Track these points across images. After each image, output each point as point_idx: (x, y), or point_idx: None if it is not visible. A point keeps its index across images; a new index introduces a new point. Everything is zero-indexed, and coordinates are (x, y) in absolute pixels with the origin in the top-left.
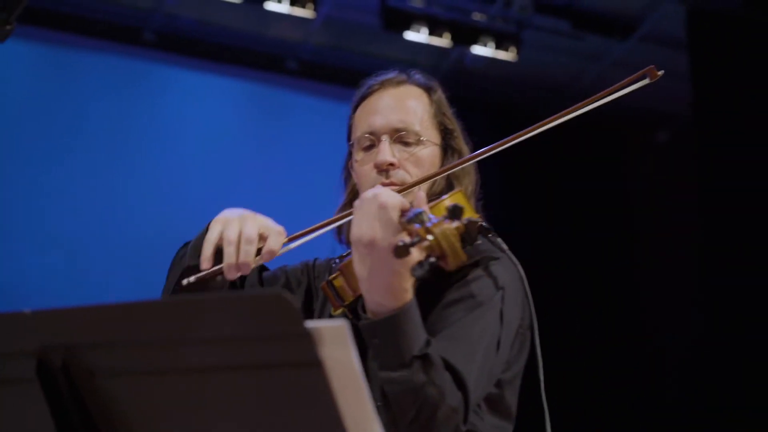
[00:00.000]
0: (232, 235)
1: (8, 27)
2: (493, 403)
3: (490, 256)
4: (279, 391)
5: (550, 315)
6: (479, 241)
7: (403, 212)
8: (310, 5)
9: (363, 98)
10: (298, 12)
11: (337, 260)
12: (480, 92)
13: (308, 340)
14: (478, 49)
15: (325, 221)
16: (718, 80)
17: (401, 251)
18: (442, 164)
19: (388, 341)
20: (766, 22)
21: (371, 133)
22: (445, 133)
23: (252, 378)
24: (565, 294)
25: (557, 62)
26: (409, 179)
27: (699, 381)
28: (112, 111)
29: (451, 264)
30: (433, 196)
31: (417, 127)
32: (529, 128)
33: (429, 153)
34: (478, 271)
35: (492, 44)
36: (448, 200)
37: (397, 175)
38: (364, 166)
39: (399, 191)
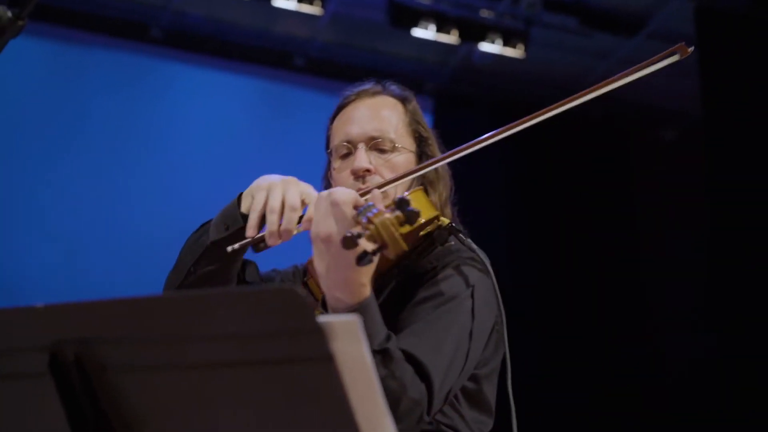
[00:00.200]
0: (275, 202)
1: (20, 23)
2: (473, 398)
3: (460, 255)
4: (290, 385)
5: (554, 314)
6: (451, 242)
7: (356, 207)
8: (318, 2)
9: (340, 109)
10: (306, 9)
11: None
12: (487, 89)
13: (320, 335)
14: (485, 46)
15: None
16: (725, 78)
17: (348, 242)
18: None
19: None
20: None
21: (348, 142)
22: (420, 141)
23: (264, 373)
24: (571, 293)
25: (565, 59)
26: None
27: (704, 381)
28: (119, 107)
29: (391, 252)
30: None
31: (392, 135)
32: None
33: (404, 159)
34: (449, 271)
35: (500, 41)
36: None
37: (373, 180)
38: (341, 174)
39: (365, 192)
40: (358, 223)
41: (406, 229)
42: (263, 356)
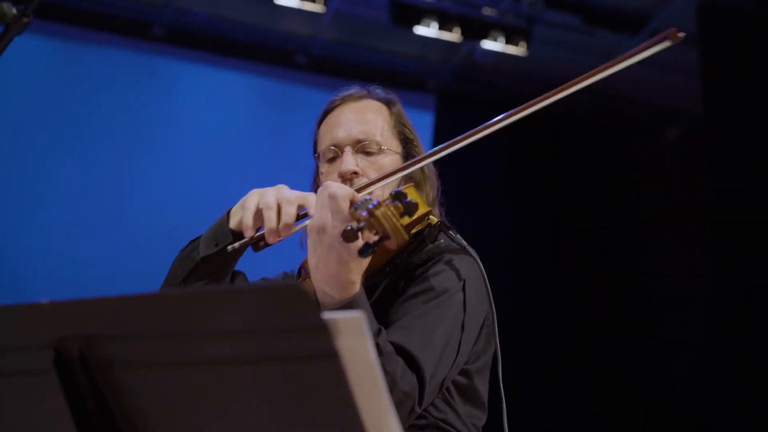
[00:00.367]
0: (270, 200)
1: (25, 20)
2: (465, 393)
3: (451, 251)
4: (295, 382)
5: (554, 313)
6: (440, 240)
7: (353, 203)
8: (320, 0)
9: (326, 114)
10: (308, 7)
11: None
12: (489, 87)
13: (325, 332)
14: (488, 44)
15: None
16: (728, 77)
17: (349, 235)
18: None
19: None
20: None
21: (335, 145)
22: (406, 143)
23: (269, 369)
24: (572, 291)
25: (567, 57)
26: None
27: (707, 378)
28: (121, 105)
29: (393, 242)
30: None
31: (378, 137)
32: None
33: (390, 161)
34: (440, 266)
35: (502, 39)
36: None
37: (361, 182)
38: (329, 177)
39: (358, 189)
40: (356, 217)
41: (406, 220)
42: (268, 353)
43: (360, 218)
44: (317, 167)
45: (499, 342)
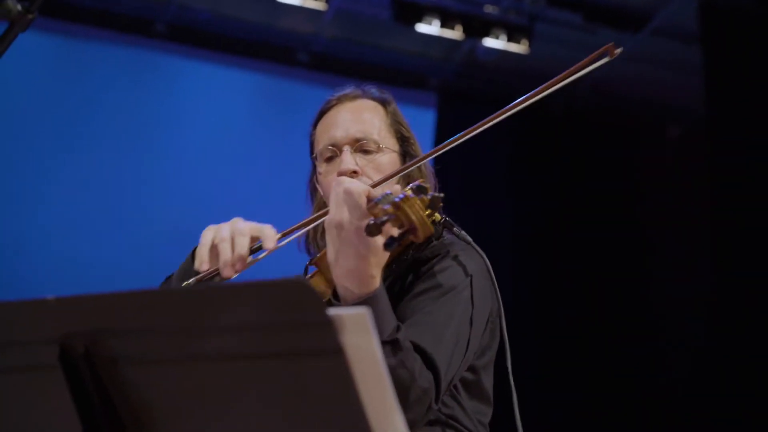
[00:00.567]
0: (224, 233)
1: (30, 16)
2: (472, 388)
3: (456, 247)
4: (300, 378)
5: (556, 311)
6: (445, 237)
7: (370, 198)
8: None
9: (322, 114)
10: (310, 4)
11: (312, 265)
12: (491, 85)
13: (330, 328)
14: (489, 42)
15: (314, 216)
16: (730, 74)
17: (372, 230)
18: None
19: None
20: None
21: (333, 145)
22: (402, 141)
23: (273, 365)
24: (573, 290)
25: (569, 55)
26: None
27: (709, 374)
28: (123, 102)
29: (420, 235)
30: None
31: (376, 136)
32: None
33: (388, 159)
34: (447, 262)
35: (504, 37)
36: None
37: (361, 181)
38: (328, 177)
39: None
40: (376, 212)
41: (429, 213)
42: (273, 348)
43: (381, 212)
44: (314, 168)
45: (507, 337)
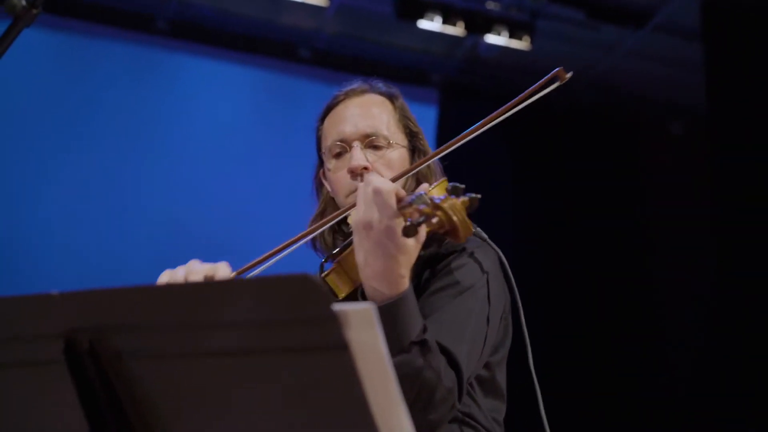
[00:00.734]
0: (179, 275)
1: (34, 11)
2: (486, 386)
3: (473, 244)
4: (305, 374)
5: (558, 309)
6: None
7: (400, 198)
8: None
9: (329, 109)
10: (312, 0)
11: (329, 261)
12: (493, 81)
13: (335, 323)
14: (491, 38)
15: (277, 248)
16: (732, 71)
17: (410, 231)
18: (411, 164)
19: (387, 328)
20: None
21: (342, 141)
22: (411, 136)
23: (278, 361)
24: (576, 287)
25: (571, 52)
26: None
27: (710, 373)
28: (124, 99)
29: (461, 236)
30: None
31: (385, 132)
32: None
33: (398, 155)
34: (462, 260)
35: (506, 33)
36: (437, 187)
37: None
38: (337, 173)
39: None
40: (409, 212)
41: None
42: (278, 344)
43: (416, 213)
44: (320, 163)
45: (527, 332)
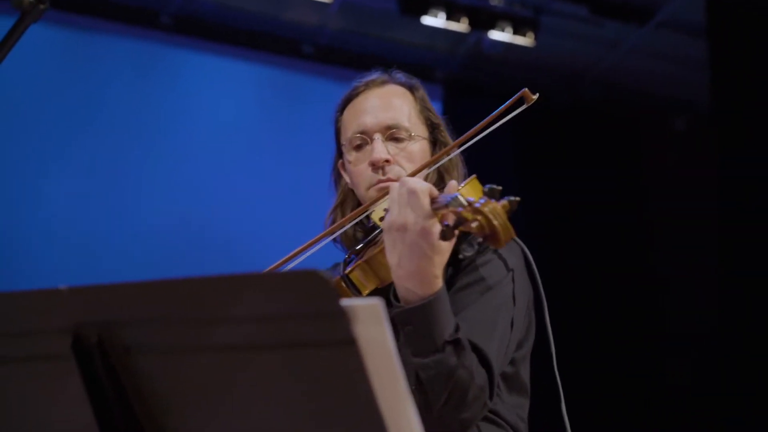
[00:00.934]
0: None
1: (42, 6)
2: (511, 382)
3: None
4: (313, 369)
5: (565, 306)
6: None
7: (433, 197)
8: None
9: (349, 100)
10: None
11: (352, 257)
12: (497, 77)
13: (343, 318)
14: (495, 34)
15: (300, 248)
16: (737, 67)
17: (447, 234)
18: (432, 157)
19: (421, 328)
20: None
21: (362, 132)
22: (432, 127)
23: (286, 356)
24: (581, 285)
25: (575, 48)
26: (404, 174)
27: (714, 369)
28: (128, 95)
29: (503, 241)
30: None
31: (406, 123)
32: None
33: (420, 147)
34: (487, 256)
35: (510, 29)
36: (468, 186)
37: (393, 170)
38: (358, 166)
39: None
40: (444, 213)
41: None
42: (286, 339)
43: (453, 215)
44: (338, 154)
45: (550, 328)
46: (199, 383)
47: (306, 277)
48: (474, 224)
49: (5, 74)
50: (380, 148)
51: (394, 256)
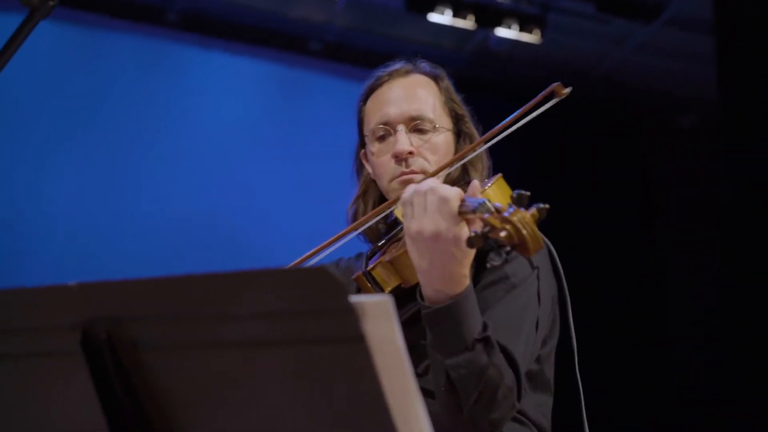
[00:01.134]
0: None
1: (51, 3)
2: (535, 380)
3: None
4: (321, 366)
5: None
6: None
7: (461, 200)
8: None
9: (372, 90)
10: None
11: (377, 252)
12: (503, 75)
13: (352, 315)
14: (502, 32)
15: (323, 245)
16: (744, 64)
17: (474, 242)
18: (456, 149)
19: (451, 327)
20: None
21: (386, 123)
22: (456, 119)
23: (295, 353)
24: (585, 283)
25: (581, 45)
26: (428, 166)
27: (716, 368)
28: (134, 91)
29: (531, 250)
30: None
31: (431, 115)
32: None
33: (444, 139)
34: (511, 253)
35: (516, 26)
36: (494, 187)
37: (416, 163)
38: (381, 157)
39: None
40: (471, 219)
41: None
42: (295, 335)
43: (480, 222)
44: (360, 144)
45: (573, 325)
46: (207, 379)
47: (315, 274)
48: (503, 233)
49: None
50: (403, 140)
51: (424, 261)
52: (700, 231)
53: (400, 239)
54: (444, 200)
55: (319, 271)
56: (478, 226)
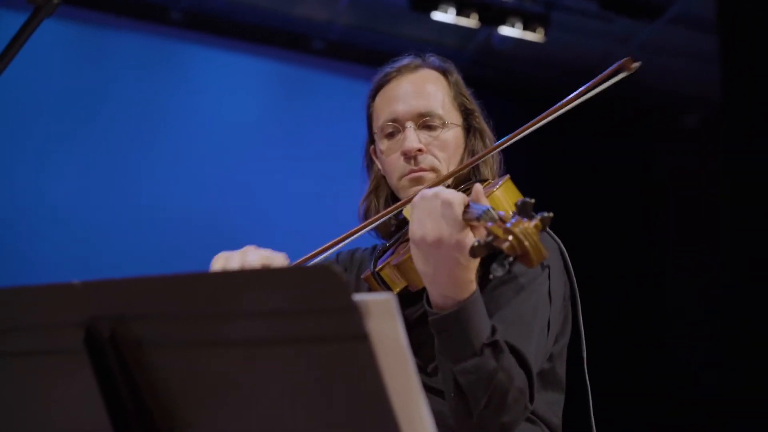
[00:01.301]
0: (233, 264)
1: (55, 1)
2: (547, 378)
3: None
4: (325, 364)
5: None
6: None
7: (466, 207)
8: None
9: (381, 86)
10: None
11: (386, 251)
12: (507, 73)
13: (355, 313)
14: (505, 30)
15: (334, 241)
16: (748, 63)
17: (477, 251)
18: (466, 145)
19: (458, 333)
20: None
21: (394, 120)
22: (466, 114)
23: (298, 351)
24: (592, 281)
25: (585, 44)
26: (437, 163)
27: (717, 366)
28: (137, 90)
29: (534, 261)
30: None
31: (440, 111)
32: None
33: (453, 135)
34: (514, 263)
35: (520, 25)
36: (501, 189)
37: (426, 160)
38: (390, 155)
39: (436, 183)
40: (475, 226)
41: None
42: (298, 334)
43: (484, 230)
44: (370, 140)
45: (582, 324)
46: (211, 378)
47: (318, 272)
48: (505, 244)
49: (16, 68)
50: (412, 138)
51: (428, 267)
52: (702, 231)
53: (408, 240)
54: (447, 205)
55: (322, 269)
56: (481, 235)
